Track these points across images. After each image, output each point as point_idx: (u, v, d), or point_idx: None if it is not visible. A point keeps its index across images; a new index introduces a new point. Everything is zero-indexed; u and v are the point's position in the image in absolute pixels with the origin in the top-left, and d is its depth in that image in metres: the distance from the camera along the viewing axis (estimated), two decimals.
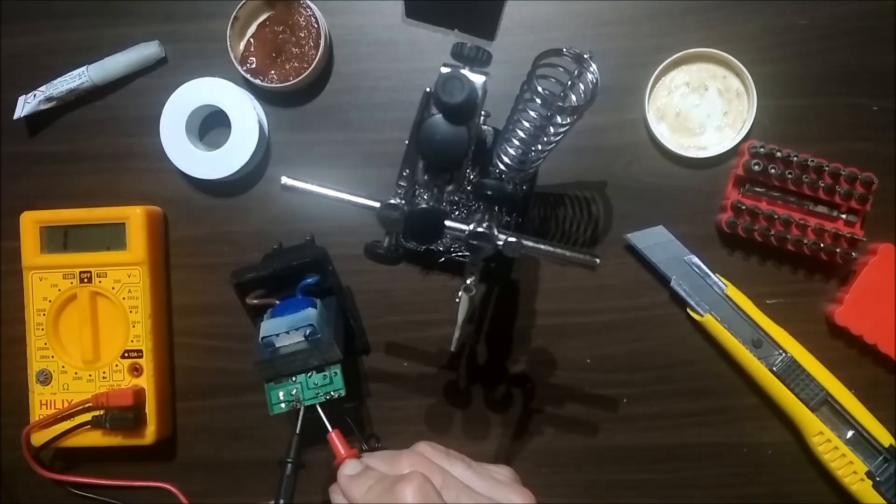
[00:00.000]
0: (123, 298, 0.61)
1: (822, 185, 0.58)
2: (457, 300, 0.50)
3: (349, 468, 0.49)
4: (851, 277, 0.60)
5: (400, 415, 0.63)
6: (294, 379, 0.55)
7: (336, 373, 0.55)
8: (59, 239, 0.62)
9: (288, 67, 0.61)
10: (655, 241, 0.60)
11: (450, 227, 0.47)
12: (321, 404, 0.54)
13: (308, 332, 0.53)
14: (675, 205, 0.61)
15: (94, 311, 0.62)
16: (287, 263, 0.58)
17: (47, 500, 0.64)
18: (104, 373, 0.62)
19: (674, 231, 0.60)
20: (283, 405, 0.55)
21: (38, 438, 0.62)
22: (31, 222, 0.62)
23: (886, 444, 0.58)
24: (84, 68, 0.62)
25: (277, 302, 0.57)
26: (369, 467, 0.48)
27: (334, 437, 0.53)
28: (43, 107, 0.63)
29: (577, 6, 0.62)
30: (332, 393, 0.55)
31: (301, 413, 0.55)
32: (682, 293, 0.60)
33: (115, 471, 0.63)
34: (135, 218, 0.61)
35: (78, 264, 0.62)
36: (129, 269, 0.61)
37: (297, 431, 0.54)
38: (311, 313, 0.54)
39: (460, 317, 0.50)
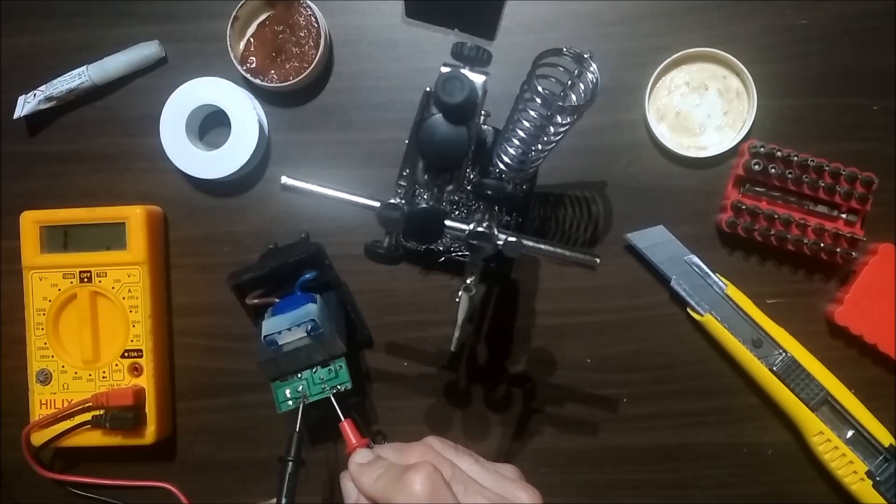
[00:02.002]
0: (123, 298, 0.61)
1: (822, 184, 0.58)
2: (457, 300, 0.50)
3: (360, 456, 0.49)
4: (851, 277, 0.60)
5: (400, 415, 0.63)
6: (299, 376, 0.55)
7: (341, 366, 0.55)
8: (59, 239, 0.62)
9: (288, 67, 0.61)
10: (655, 241, 0.60)
11: (450, 227, 0.47)
12: (333, 395, 0.54)
13: (310, 327, 0.53)
14: (675, 205, 0.61)
15: (94, 311, 0.62)
16: (283, 261, 0.58)
17: (47, 500, 0.64)
18: (104, 372, 0.62)
19: (674, 231, 0.60)
20: (290, 402, 0.55)
21: (38, 438, 0.62)
22: (31, 222, 0.62)
23: (886, 444, 0.58)
24: (84, 68, 0.62)
25: (277, 300, 0.57)
26: (380, 457, 0.48)
27: (346, 426, 0.52)
28: (43, 107, 0.63)
29: (577, 6, 0.62)
30: (338, 386, 0.55)
31: (300, 410, 0.55)
32: (682, 293, 0.60)
33: (115, 471, 0.63)
34: (135, 218, 0.61)
35: (78, 264, 0.61)
36: (129, 268, 0.61)
37: (297, 429, 0.54)
38: (311, 308, 0.54)
39: (460, 317, 0.50)
